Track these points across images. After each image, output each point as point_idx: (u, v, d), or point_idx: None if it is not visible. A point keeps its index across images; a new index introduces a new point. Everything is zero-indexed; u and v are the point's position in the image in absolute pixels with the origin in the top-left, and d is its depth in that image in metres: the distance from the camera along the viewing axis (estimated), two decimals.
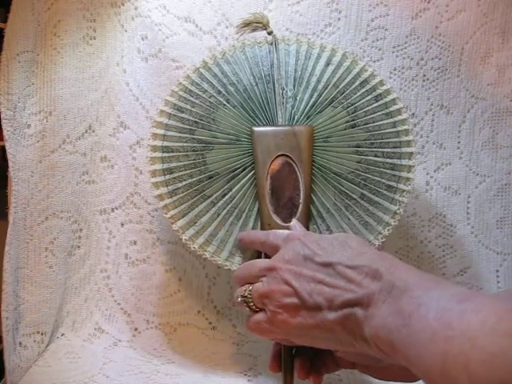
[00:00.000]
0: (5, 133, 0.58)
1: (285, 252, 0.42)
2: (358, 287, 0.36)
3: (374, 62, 0.65)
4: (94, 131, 0.64)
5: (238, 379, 0.57)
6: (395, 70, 0.65)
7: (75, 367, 0.57)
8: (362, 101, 0.55)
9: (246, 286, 0.44)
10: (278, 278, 0.40)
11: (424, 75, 0.65)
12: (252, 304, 0.43)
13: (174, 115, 0.55)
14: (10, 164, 0.58)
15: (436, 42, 0.65)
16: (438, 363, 0.29)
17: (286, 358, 0.49)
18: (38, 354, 0.59)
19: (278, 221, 0.51)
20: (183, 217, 0.53)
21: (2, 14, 0.60)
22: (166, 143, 0.54)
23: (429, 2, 0.65)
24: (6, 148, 0.58)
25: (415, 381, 0.45)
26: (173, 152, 0.54)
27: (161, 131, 0.54)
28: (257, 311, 0.43)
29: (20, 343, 0.58)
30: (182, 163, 0.54)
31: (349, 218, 0.54)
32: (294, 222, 0.50)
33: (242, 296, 0.43)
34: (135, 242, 0.65)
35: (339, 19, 0.65)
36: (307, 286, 0.38)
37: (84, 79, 0.63)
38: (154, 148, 0.54)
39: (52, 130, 0.61)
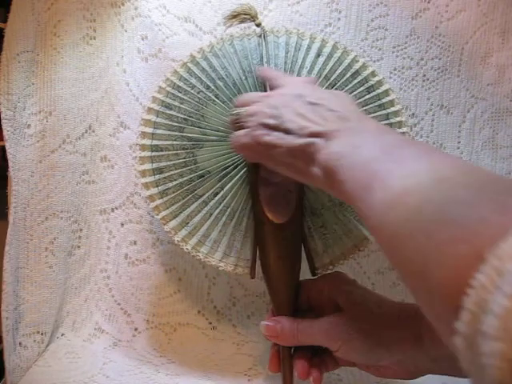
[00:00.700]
0: (5, 133, 0.58)
1: (284, 88, 0.46)
2: (328, 124, 0.40)
3: (374, 61, 0.65)
4: (94, 131, 0.64)
5: (238, 379, 0.57)
6: (395, 69, 0.65)
7: (75, 367, 0.57)
8: (354, 93, 0.54)
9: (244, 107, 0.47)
10: (268, 103, 0.44)
11: (424, 75, 0.65)
12: (241, 123, 0.46)
13: (163, 112, 0.53)
14: (10, 164, 0.58)
15: (436, 42, 0.65)
16: (363, 186, 0.34)
17: (286, 357, 0.48)
18: (38, 354, 0.59)
19: (272, 218, 0.49)
20: (175, 217, 0.52)
21: (2, 14, 0.60)
22: (155, 142, 0.53)
23: (429, 2, 0.65)
24: (6, 148, 0.57)
25: (414, 378, 0.45)
26: (162, 151, 0.53)
27: (149, 129, 0.53)
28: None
29: (20, 343, 0.58)
30: (171, 162, 0.53)
31: (344, 214, 0.53)
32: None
33: (236, 114, 0.47)
34: (135, 242, 0.65)
35: (339, 19, 0.64)
36: (288, 114, 0.42)
37: (84, 79, 0.63)
38: (143, 147, 0.53)
39: (52, 130, 0.61)
